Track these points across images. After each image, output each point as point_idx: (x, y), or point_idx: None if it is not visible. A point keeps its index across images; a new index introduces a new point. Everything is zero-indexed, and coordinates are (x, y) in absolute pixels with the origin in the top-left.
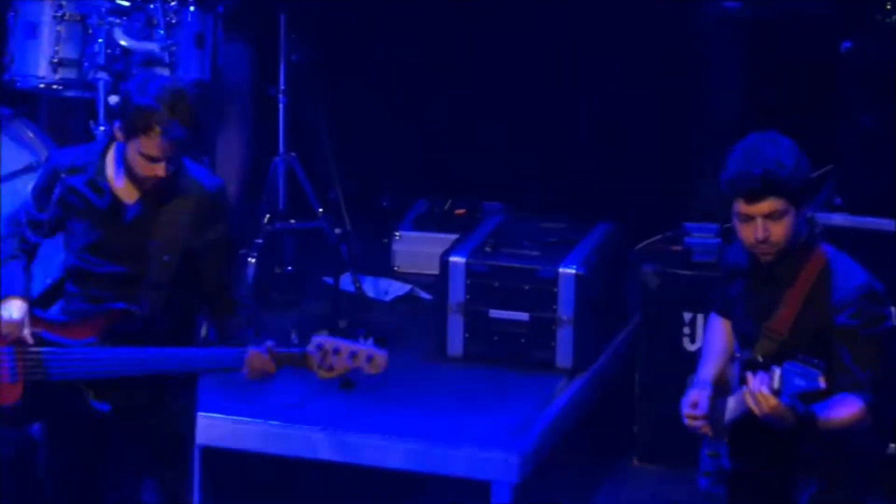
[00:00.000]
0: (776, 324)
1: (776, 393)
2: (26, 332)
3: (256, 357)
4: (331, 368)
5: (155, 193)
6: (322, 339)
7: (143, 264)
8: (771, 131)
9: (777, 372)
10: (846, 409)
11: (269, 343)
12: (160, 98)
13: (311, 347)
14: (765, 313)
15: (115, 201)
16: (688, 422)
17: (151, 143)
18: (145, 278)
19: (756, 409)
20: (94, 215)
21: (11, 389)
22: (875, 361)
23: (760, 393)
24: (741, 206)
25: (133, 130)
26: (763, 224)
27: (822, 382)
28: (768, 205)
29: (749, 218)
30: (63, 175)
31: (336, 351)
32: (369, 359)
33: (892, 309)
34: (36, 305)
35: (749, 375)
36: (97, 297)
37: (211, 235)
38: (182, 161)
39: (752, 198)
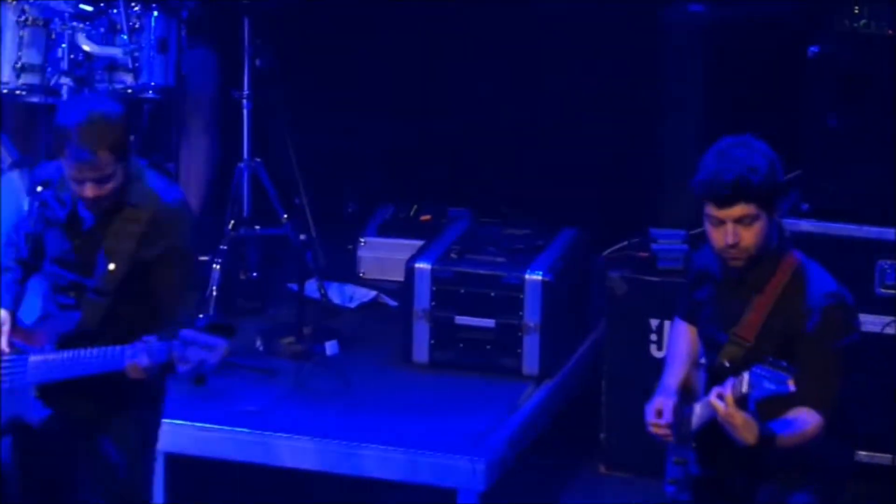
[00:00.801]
0: (743, 329)
1: (745, 397)
2: (3, 340)
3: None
4: (186, 361)
5: (101, 205)
6: (184, 332)
7: (91, 272)
8: (746, 135)
9: (746, 376)
10: (804, 427)
11: (150, 338)
12: (72, 120)
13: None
14: (732, 319)
15: (74, 213)
16: (651, 430)
17: (67, 164)
18: (88, 285)
19: (723, 413)
20: (60, 228)
21: None
22: (837, 373)
23: (728, 397)
24: (712, 210)
25: (57, 150)
26: (733, 229)
27: (791, 386)
28: (739, 210)
29: (720, 222)
30: (39, 189)
31: (193, 341)
32: (207, 345)
33: (860, 319)
34: None
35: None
36: (64, 305)
37: (160, 249)
38: (123, 179)
39: (723, 202)
